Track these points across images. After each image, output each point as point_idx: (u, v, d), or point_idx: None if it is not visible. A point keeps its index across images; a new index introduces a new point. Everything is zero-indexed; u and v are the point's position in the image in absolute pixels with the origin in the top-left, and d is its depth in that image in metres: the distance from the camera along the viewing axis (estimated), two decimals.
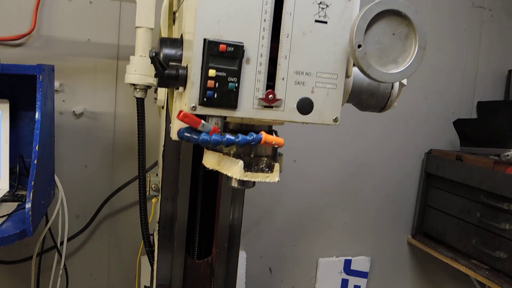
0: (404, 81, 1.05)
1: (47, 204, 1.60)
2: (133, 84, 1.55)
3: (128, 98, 1.96)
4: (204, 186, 1.61)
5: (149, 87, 1.59)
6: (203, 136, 0.79)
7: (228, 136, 0.78)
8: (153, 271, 1.60)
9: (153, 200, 1.59)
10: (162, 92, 1.48)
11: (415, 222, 2.42)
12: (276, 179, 0.86)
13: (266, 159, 0.89)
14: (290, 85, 0.82)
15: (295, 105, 0.83)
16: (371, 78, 0.82)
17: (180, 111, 0.80)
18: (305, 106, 0.83)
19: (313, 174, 2.25)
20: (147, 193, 1.57)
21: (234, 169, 0.84)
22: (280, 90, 0.82)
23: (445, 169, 2.22)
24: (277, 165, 0.87)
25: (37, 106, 1.39)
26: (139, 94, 1.56)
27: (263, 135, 0.79)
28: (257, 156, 0.90)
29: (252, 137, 0.78)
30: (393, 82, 0.95)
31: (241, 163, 0.83)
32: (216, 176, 1.58)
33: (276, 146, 0.82)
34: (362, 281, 2.39)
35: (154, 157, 1.92)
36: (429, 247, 2.29)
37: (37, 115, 1.39)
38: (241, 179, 0.84)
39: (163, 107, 1.54)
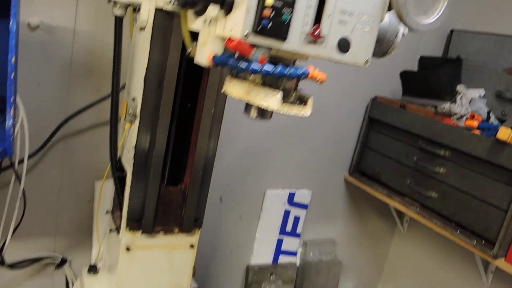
0: (406, 31, 1.12)
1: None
2: (114, 1, 1.45)
3: (90, 14, 1.83)
4: (182, 115, 1.61)
5: (128, 5, 1.50)
6: (253, 65, 0.80)
7: (281, 67, 0.80)
8: (123, 197, 1.60)
9: (126, 125, 1.55)
10: (146, 12, 1.42)
11: (353, 161, 2.62)
12: (309, 112, 0.90)
13: (295, 92, 0.93)
14: (334, 23, 0.85)
15: (336, 44, 0.86)
16: (406, 25, 0.88)
17: (231, 39, 0.79)
18: (344, 46, 0.87)
19: None
20: (123, 118, 1.53)
21: (271, 100, 0.86)
22: (325, 27, 0.85)
23: (388, 115, 2.41)
24: (311, 99, 0.91)
25: (11, 13, 1.26)
26: (119, 12, 1.47)
27: (310, 69, 0.82)
28: (285, 90, 0.93)
29: (301, 71, 0.81)
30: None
31: (280, 94, 0.86)
32: (194, 105, 1.58)
33: (319, 82, 0.86)
34: (302, 212, 2.57)
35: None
36: (365, 184, 2.52)
37: (11, 24, 1.26)
38: (277, 110, 0.87)
39: (143, 28, 1.48)
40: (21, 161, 1.67)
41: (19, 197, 1.68)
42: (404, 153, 2.31)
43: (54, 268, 2.08)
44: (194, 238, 1.70)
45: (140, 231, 1.57)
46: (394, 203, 2.34)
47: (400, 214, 2.82)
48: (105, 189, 1.89)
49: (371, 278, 3.12)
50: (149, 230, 1.57)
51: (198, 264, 2.25)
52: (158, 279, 1.68)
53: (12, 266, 1.89)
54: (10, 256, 1.87)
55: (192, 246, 1.70)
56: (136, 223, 1.56)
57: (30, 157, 1.79)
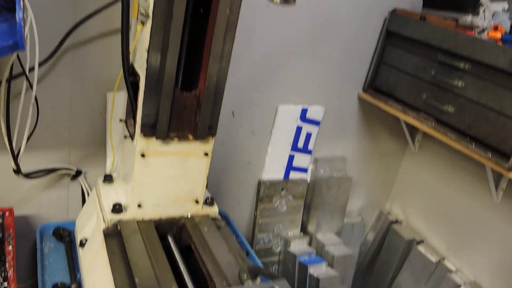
0: None
1: None
2: None
3: None
4: (195, 19, 1.54)
5: None
6: None
7: None
8: (136, 104, 1.57)
9: (138, 27, 1.49)
10: None
11: (368, 77, 2.56)
12: None
13: None
14: None
15: None
16: None
17: None
18: None
19: (282, 22, 2.22)
20: (136, 17, 1.46)
21: None
22: None
23: (407, 28, 2.31)
24: None
25: None
26: None
27: None
28: None
29: None
30: None
31: None
32: (207, 10, 1.51)
33: None
34: (314, 129, 2.56)
35: None
36: (379, 100, 2.47)
37: None
38: None
39: None
40: (31, 69, 1.63)
41: (32, 104, 1.67)
42: (421, 67, 2.24)
43: (70, 179, 2.12)
44: (208, 146, 1.70)
45: (154, 137, 1.57)
46: (408, 118, 2.30)
47: (412, 133, 2.79)
48: (117, 100, 1.87)
49: (380, 196, 3.17)
50: (164, 136, 1.56)
51: (210, 180, 2.27)
52: (173, 186, 1.70)
53: (28, 175, 1.92)
54: (26, 166, 1.89)
55: (206, 154, 1.71)
56: (151, 129, 1.55)
57: (40, 65, 1.76)
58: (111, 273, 1.46)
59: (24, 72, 1.60)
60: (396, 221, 3.11)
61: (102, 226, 1.67)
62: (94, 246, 1.70)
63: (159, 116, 1.52)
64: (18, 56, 1.57)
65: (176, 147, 1.63)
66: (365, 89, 2.59)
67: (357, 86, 2.62)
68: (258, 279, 1.37)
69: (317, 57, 2.42)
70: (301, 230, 2.80)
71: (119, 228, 1.65)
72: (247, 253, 2.13)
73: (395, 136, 2.91)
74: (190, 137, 1.62)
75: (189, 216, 1.79)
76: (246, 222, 2.69)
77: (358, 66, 2.56)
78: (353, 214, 3.11)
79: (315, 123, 2.55)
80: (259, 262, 2.08)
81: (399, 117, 2.42)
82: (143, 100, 1.50)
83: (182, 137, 1.61)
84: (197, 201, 1.78)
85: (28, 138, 1.76)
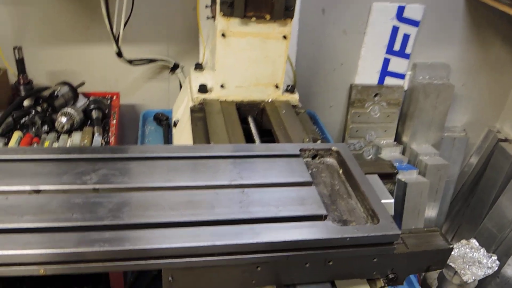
0: None
1: None
2: None
3: None
4: None
5: None
6: None
7: None
8: None
9: None
10: None
11: None
12: None
13: None
14: None
15: None
16: None
17: None
18: None
19: None
20: None
21: None
22: None
23: None
24: None
25: None
26: None
27: None
28: None
29: None
30: None
31: None
32: None
33: None
34: (412, 30, 2.41)
35: None
36: None
37: None
38: None
39: None
40: None
41: None
42: None
43: (169, 72, 2.31)
44: (287, 29, 1.72)
45: (233, 17, 1.64)
46: None
47: None
48: None
49: (488, 113, 2.93)
50: (241, 14, 1.62)
51: (300, 81, 2.30)
52: (253, 69, 1.78)
53: (131, 62, 2.14)
54: (128, 53, 2.10)
55: (285, 37, 1.73)
56: (229, 8, 1.62)
57: None
58: (192, 140, 1.62)
59: None
60: (506, 140, 2.87)
61: (190, 104, 1.83)
62: (183, 122, 1.87)
63: None
64: None
65: (254, 27, 1.68)
66: None
67: None
68: (319, 141, 1.42)
69: None
70: (395, 140, 2.73)
71: (204, 106, 1.79)
72: None
73: (509, 44, 2.62)
74: (267, 16, 1.65)
75: (269, 101, 1.86)
76: (337, 127, 2.70)
77: None
78: (457, 129, 2.93)
79: (414, 23, 2.40)
80: None
81: None
82: None
83: (260, 17, 1.65)
84: (277, 86, 1.84)
85: (125, 24, 1.94)
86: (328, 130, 2.67)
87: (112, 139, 1.85)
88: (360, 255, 1.00)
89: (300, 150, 1.26)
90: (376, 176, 1.25)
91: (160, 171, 1.11)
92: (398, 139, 2.74)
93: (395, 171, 1.33)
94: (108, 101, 2.14)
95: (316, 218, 1.02)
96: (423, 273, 2.97)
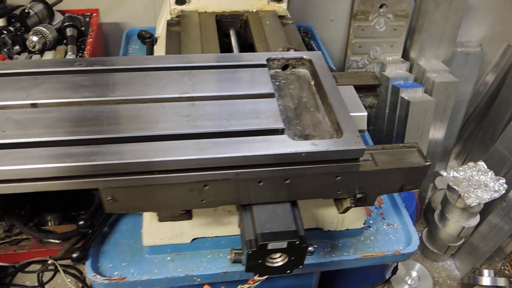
0: None
1: None
2: None
3: None
4: None
5: None
6: None
7: None
8: None
9: None
10: None
11: None
12: None
13: None
14: None
15: None
16: None
17: None
18: None
19: None
20: None
21: None
22: None
23: None
24: None
25: None
26: None
27: None
28: None
29: None
30: None
31: None
32: None
33: None
34: None
35: None
36: None
37: None
38: None
39: None
40: None
41: None
42: None
43: None
44: None
45: None
46: None
47: None
48: None
49: (508, 26, 2.67)
50: None
51: None
52: None
53: None
54: None
55: None
56: None
57: None
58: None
59: None
60: None
61: (168, 17, 1.69)
62: (161, 38, 1.74)
63: None
64: None
65: None
66: None
67: None
68: (291, 50, 1.27)
69: None
70: (402, 57, 2.54)
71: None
72: None
73: None
74: None
75: (254, 12, 1.70)
76: (339, 43, 2.51)
77: None
78: (471, 44, 2.69)
79: None
80: None
81: None
82: None
83: None
84: None
85: None
86: (329, 47, 2.49)
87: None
88: (320, 172, 0.90)
89: (268, 60, 1.13)
90: (351, 87, 1.12)
91: (106, 84, 1.01)
92: (405, 55, 2.54)
93: (377, 82, 1.19)
94: (88, 18, 2.00)
95: (271, 132, 0.91)
96: (426, 200, 2.89)
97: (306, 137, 0.94)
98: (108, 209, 0.91)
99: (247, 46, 1.65)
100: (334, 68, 1.63)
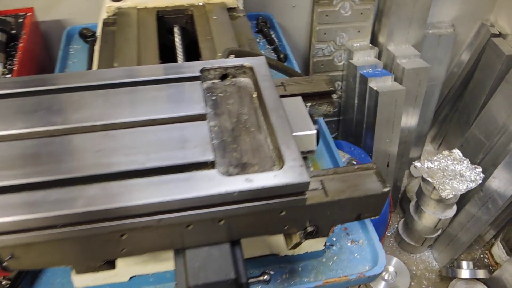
0: None
1: None
2: None
3: None
4: None
5: None
6: None
7: None
8: None
9: None
10: None
11: None
12: None
13: None
14: None
15: None
16: None
17: None
18: None
19: None
20: None
21: None
22: None
23: None
24: None
25: None
26: None
27: None
28: None
29: None
30: None
31: None
32: None
33: None
34: None
35: None
36: None
37: None
38: None
39: None
40: None
41: None
42: None
43: None
44: None
45: None
46: None
47: None
48: None
49: (481, 4, 2.54)
50: None
51: None
52: None
53: None
54: None
55: None
56: None
57: None
58: (98, 62, 1.32)
59: None
60: (499, 34, 2.52)
61: (104, 16, 1.51)
62: (99, 39, 1.56)
63: None
64: None
65: None
66: None
67: None
68: (232, 56, 1.12)
69: None
70: (370, 42, 2.39)
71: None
72: (286, 58, 1.86)
73: None
74: None
75: (200, 4, 1.53)
76: (302, 31, 2.35)
77: None
78: (443, 25, 2.56)
79: None
80: (297, 68, 1.80)
81: None
82: None
83: None
84: None
85: None
86: (292, 35, 2.34)
87: (16, 67, 1.54)
88: (259, 210, 0.76)
89: (202, 70, 0.97)
90: (299, 98, 0.97)
91: None
92: (373, 40, 2.40)
93: (331, 88, 1.04)
94: (21, 19, 1.80)
95: (198, 166, 0.76)
96: (402, 188, 2.78)
97: (243, 166, 0.80)
98: (11, 266, 0.76)
99: (195, 43, 1.49)
100: (299, 71, 1.47)
